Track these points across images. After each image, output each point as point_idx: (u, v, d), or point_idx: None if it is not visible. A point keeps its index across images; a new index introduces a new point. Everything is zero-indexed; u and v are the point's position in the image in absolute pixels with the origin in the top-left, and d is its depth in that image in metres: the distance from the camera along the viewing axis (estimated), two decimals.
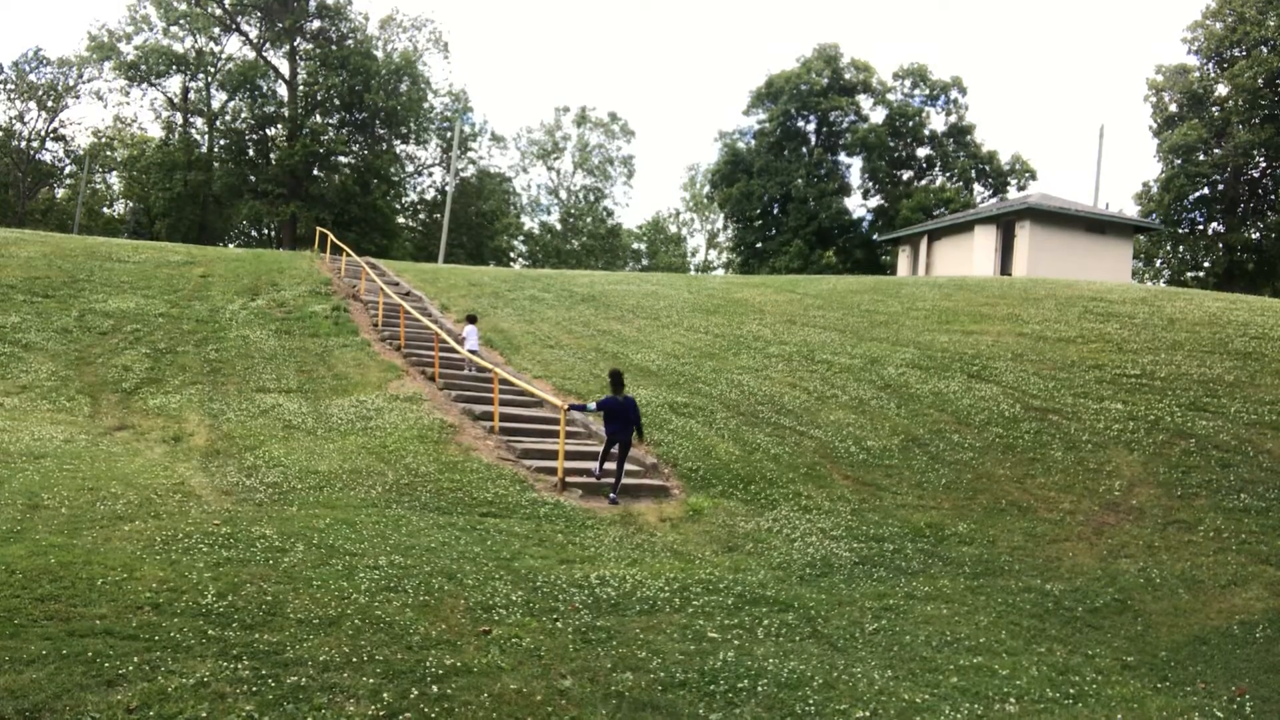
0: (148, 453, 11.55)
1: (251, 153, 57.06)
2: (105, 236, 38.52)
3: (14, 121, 57.13)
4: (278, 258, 27.12)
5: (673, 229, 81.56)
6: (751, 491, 11.69)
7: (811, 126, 54.80)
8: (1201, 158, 46.23)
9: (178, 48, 55.72)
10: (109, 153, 61.80)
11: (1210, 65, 47.44)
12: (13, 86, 56.61)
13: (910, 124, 53.91)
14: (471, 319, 17.74)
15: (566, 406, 12.28)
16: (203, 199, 55.44)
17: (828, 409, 14.50)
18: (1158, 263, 50.88)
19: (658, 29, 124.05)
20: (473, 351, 16.67)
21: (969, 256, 34.28)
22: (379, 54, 58.28)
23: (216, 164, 56.05)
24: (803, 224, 51.24)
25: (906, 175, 55.62)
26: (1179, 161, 46.31)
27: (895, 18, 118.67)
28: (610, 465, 11.56)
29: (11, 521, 8.05)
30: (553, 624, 7.15)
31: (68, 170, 61.69)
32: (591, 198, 74.42)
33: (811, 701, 6.29)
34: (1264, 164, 46.88)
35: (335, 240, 29.44)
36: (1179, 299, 20.14)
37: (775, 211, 53.83)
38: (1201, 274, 48.18)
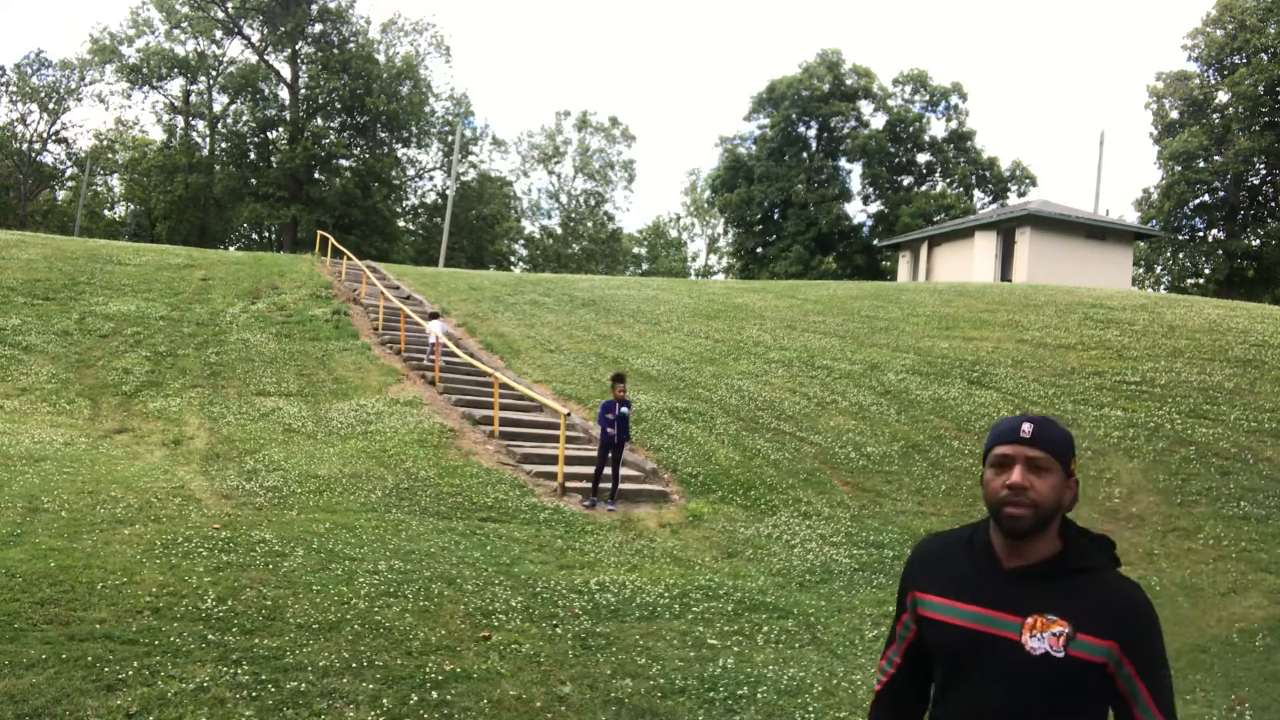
0: (148, 456, 11.54)
1: (253, 156, 57.16)
2: (106, 239, 38.53)
3: (15, 123, 57.25)
4: (278, 261, 27.14)
5: (673, 234, 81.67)
6: (751, 497, 11.69)
7: (812, 132, 54.89)
8: (1202, 164, 46.25)
9: (179, 51, 55.85)
10: (110, 155, 61.93)
11: (1211, 72, 47.49)
12: (14, 89, 56.69)
13: (911, 130, 54.00)
14: (434, 315, 18.46)
15: (566, 413, 12.27)
16: (203, 202, 55.51)
17: (828, 415, 14.50)
18: (1158, 269, 50.89)
19: (659, 34, 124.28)
20: (440, 344, 16.89)
21: (969, 262, 34.30)
22: (380, 58, 58.44)
23: (217, 167, 56.12)
24: (803, 229, 51.27)
25: (907, 181, 55.70)
26: (1179, 168, 46.35)
27: (897, 25, 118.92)
28: (610, 470, 11.53)
29: (11, 525, 8.05)
30: (552, 630, 7.14)
31: (69, 172, 61.77)
32: (592, 202, 74.51)
33: (811, 709, 6.28)
34: (1264, 171, 46.92)
35: (336, 244, 29.49)
36: (1179, 306, 20.13)
37: (775, 217, 53.89)
38: (1202, 281, 48.19)
